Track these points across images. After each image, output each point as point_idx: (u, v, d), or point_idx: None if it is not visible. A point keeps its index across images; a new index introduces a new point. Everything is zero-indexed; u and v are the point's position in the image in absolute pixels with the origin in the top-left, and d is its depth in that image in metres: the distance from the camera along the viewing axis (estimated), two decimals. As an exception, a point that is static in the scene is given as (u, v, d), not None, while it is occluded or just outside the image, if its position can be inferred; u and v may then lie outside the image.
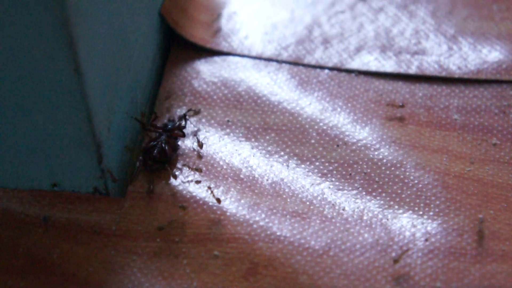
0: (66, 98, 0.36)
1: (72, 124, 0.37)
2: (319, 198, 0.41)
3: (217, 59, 0.48)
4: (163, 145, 0.42)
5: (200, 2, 0.50)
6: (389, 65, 0.47)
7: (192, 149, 0.43)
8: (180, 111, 0.45)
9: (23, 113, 0.37)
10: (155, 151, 0.42)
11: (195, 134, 0.44)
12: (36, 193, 0.41)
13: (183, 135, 0.44)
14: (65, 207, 0.41)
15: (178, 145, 0.43)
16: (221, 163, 0.43)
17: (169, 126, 0.44)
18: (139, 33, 0.43)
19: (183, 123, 0.44)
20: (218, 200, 0.41)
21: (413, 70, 0.47)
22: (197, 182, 0.42)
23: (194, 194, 0.41)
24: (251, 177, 0.42)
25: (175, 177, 0.42)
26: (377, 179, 0.42)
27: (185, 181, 0.42)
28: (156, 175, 0.42)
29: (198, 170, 0.42)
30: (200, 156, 0.43)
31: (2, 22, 0.33)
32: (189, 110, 0.45)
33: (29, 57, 0.34)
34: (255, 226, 0.40)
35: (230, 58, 0.48)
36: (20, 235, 0.40)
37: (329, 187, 0.42)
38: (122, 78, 0.41)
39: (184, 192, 0.42)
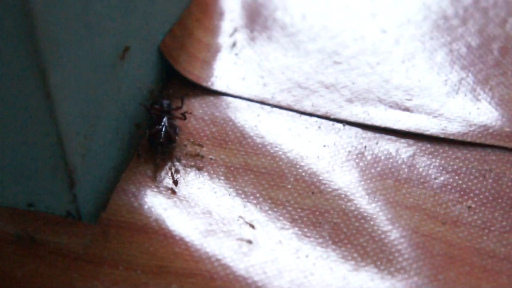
0: (37, 122, 0.37)
1: (44, 148, 0.39)
2: (285, 243, 0.42)
3: (211, 98, 0.49)
4: (167, 128, 0.45)
5: (200, 39, 0.52)
6: (378, 118, 0.48)
7: (166, 185, 0.44)
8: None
9: (2, 133, 0.39)
10: (161, 136, 0.45)
11: (170, 168, 0.45)
12: (13, 211, 0.43)
13: (184, 118, 0.46)
14: (39, 227, 0.42)
15: (177, 127, 0.46)
16: (194, 198, 0.44)
17: (166, 106, 0.46)
18: (130, 66, 0.45)
19: (179, 104, 0.47)
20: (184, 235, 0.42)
21: (400, 126, 0.47)
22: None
23: (163, 226, 0.42)
24: (221, 216, 0.43)
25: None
26: (345, 230, 0.42)
27: (158, 211, 0.43)
28: (128, 204, 0.43)
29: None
30: (173, 192, 0.44)
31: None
32: (186, 94, 0.47)
33: (1, 78, 0.36)
34: (216, 264, 0.41)
35: (224, 97, 0.49)
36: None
37: (297, 233, 0.42)
38: (106, 108, 0.42)
39: (154, 223, 0.42)
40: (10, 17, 0.33)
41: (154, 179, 0.44)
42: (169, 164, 0.45)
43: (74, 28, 0.37)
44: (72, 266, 0.41)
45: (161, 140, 0.45)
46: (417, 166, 0.45)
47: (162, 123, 0.46)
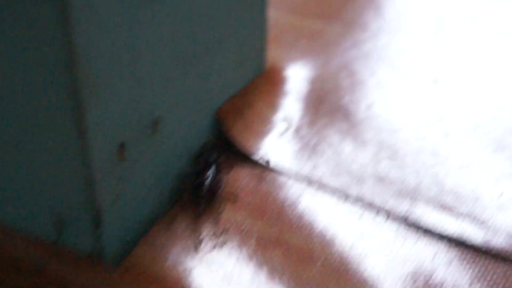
0: (70, 157, 0.38)
1: (74, 185, 0.39)
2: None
3: (258, 170, 0.49)
4: (210, 182, 0.45)
5: (260, 112, 0.52)
6: (422, 218, 0.46)
7: (194, 244, 0.44)
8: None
9: (30, 166, 0.39)
10: (203, 189, 0.45)
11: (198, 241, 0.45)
12: (40, 242, 0.43)
13: (229, 170, 0.47)
14: (61, 263, 0.43)
15: (222, 181, 0.46)
16: (218, 262, 0.43)
17: (214, 158, 0.46)
18: (181, 122, 0.45)
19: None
20: None
21: (443, 230, 0.46)
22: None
23: (180, 282, 0.42)
24: (240, 286, 0.42)
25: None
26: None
27: (179, 267, 0.43)
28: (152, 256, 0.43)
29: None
30: (198, 252, 0.44)
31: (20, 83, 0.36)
32: (240, 146, 0.47)
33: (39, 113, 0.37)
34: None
35: (271, 172, 0.49)
36: (7, 276, 0.42)
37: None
38: (144, 160, 0.43)
39: (173, 278, 0.42)
40: (54, 54, 0.35)
41: (184, 234, 0.44)
42: (205, 222, 0.45)
43: (120, 76, 0.38)
44: (84, 306, 0.41)
45: (203, 191, 0.45)
46: (453, 272, 0.44)
47: (207, 176, 0.45)
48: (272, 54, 0.56)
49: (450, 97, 0.56)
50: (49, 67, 0.35)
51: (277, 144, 0.51)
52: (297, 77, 0.56)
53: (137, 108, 0.41)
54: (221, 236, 0.45)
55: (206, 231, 0.45)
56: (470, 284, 0.43)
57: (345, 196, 0.48)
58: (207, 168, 0.46)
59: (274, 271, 0.43)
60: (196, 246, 0.44)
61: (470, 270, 0.44)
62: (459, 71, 0.58)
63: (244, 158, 0.50)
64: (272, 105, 0.53)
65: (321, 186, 0.48)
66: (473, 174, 0.49)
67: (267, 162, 0.49)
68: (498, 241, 0.45)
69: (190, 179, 0.46)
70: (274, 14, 0.59)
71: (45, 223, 0.42)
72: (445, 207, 0.47)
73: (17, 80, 0.36)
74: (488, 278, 0.43)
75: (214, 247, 0.44)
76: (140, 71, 0.40)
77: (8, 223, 0.43)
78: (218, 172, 0.46)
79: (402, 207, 0.47)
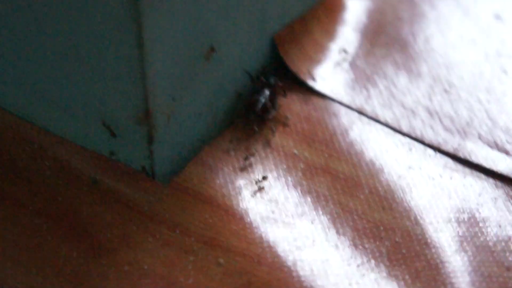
0: (128, 71, 0.39)
1: (131, 98, 0.40)
2: (341, 248, 0.42)
3: (312, 96, 0.50)
4: (266, 100, 0.46)
5: (317, 40, 0.52)
6: (473, 153, 0.46)
7: (243, 165, 0.45)
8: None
9: (89, 78, 0.40)
10: (258, 106, 0.46)
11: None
12: (96, 155, 0.44)
13: (285, 95, 0.48)
14: (114, 176, 0.44)
15: (277, 103, 0.47)
16: (267, 184, 0.44)
17: (273, 82, 0.47)
18: (235, 46, 0.46)
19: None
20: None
21: (493, 166, 0.46)
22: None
23: (227, 203, 0.43)
24: (287, 208, 0.43)
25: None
26: (404, 250, 0.42)
27: (228, 188, 0.44)
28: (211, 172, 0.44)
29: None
30: (248, 172, 0.45)
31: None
32: (296, 72, 0.49)
33: (100, 25, 0.38)
34: (267, 249, 0.41)
35: (325, 99, 0.50)
36: (64, 186, 0.44)
37: (356, 242, 0.42)
38: (201, 78, 0.44)
39: (220, 198, 0.43)
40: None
41: (235, 155, 0.45)
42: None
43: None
44: (133, 218, 0.42)
45: (257, 108, 0.46)
46: (499, 209, 0.44)
47: (263, 95, 0.46)
48: (334, -18, 0.56)
49: (511, 35, 0.55)
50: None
51: (333, 73, 0.51)
52: (357, 7, 0.56)
53: (194, 28, 0.41)
54: (271, 158, 0.46)
55: (257, 153, 0.46)
56: (515, 221, 0.43)
57: (397, 127, 0.48)
58: (264, 88, 0.47)
59: (320, 198, 0.44)
60: (246, 168, 0.45)
61: (516, 208, 0.44)
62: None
63: (300, 84, 0.50)
64: (330, 33, 0.53)
65: (374, 116, 0.49)
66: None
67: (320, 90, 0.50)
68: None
69: (246, 98, 0.47)
70: None
71: (102, 137, 0.43)
72: (496, 144, 0.47)
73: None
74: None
75: (264, 169, 0.45)
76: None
77: (67, 136, 0.44)
78: (274, 94, 0.47)
79: (453, 141, 0.47)
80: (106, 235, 0.42)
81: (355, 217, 0.43)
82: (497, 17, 0.56)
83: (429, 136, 0.48)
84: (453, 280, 0.40)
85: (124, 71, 0.39)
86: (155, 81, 0.40)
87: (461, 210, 0.44)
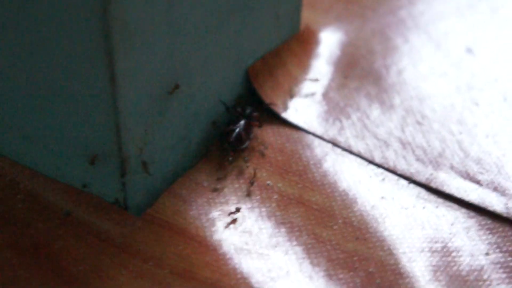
0: (99, 104, 0.39)
1: (103, 131, 0.40)
2: (315, 279, 0.41)
3: (286, 128, 0.50)
4: (240, 130, 0.46)
5: (291, 72, 0.53)
6: (444, 184, 0.47)
7: (217, 199, 0.45)
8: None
9: (61, 112, 0.40)
10: (232, 136, 0.46)
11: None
12: (69, 188, 0.44)
13: (260, 126, 0.48)
14: (87, 209, 0.44)
15: (252, 133, 0.47)
16: (240, 216, 0.44)
17: (248, 112, 0.47)
18: (212, 79, 0.46)
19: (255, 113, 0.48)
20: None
21: (465, 196, 0.46)
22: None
23: (201, 234, 0.43)
24: (261, 238, 0.43)
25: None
26: (378, 281, 0.42)
27: (201, 219, 0.44)
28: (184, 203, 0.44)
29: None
30: (220, 204, 0.45)
31: (51, 24, 0.37)
32: (269, 104, 0.49)
33: (72, 59, 0.38)
34: (240, 281, 0.41)
35: (298, 131, 0.50)
36: (37, 219, 0.43)
37: (330, 273, 0.42)
38: (174, 111, 0.44)
39: (194, 230, 0.43)
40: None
41: (209, 186, 0.45)
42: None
43: (154, 24, 0.39)
44: (106, 250, 0.42)
45: (232, 138, 0.46)
46: (471, 238, 0.44)
47: (238, 125, 0.47)
48: (307, 16, 0.56)
49: (482, 68, 0.56)
50: (83, 10, 0.36)
51: (306, 105, 0.51)
52: (330, 40, 0.57)
53: (169, 59, 0.41)
54: (245, 191, 0.46)
55: (231, 184, 0.46)
56: (487, 252, 0.43)
57: (370, 158, 0.48)
58: (239, 119, 0.47)
59: (294, 229, 0.44)
60: (219, 199, 0.45)
61: (488, 238, 0.44)
62: (494, 42, 0.58)
63: (274, 115, 0.50)
64: (304, 66, 0.54)
65: (347, 147, 0.49)
66: (499, 143, 0.50)
67: (293, 122, 0.50)
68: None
69: (221, 128, 0.47)
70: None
71: (74, 169, 0.43)
72: (468, 174, 0.47)
73: (50, 23, 0.37)
74: (506, 246, 0.44)
75: (238, 201, 0.45)
76: (175, 21, 0.40)
77: (39, 169, 0.44)
78: (249, 124, 0.47)
79: (426, 172, 0.47)
80: (78, 267, 0.41)
81: (329, 247, 0.43)
82: (469, 50, 0.57)
83: (402, 167, 0.48)
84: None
85: (96, 104, 0.39)
86: (127, 115, 0.40)
87: (434, 240, 0.44)
